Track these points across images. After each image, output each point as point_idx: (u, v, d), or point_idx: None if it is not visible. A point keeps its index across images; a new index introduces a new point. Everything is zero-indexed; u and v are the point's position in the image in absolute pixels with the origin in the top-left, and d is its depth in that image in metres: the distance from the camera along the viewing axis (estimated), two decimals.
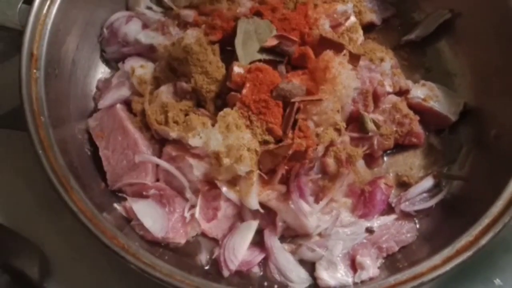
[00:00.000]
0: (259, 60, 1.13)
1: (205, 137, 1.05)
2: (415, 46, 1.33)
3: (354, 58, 1.14)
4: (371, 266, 1.03)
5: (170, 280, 0.91)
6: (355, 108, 1.14)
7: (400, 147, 1.21)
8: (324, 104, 1.08)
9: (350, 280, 1.03)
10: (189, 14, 1.26)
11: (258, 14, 1.21)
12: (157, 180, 1.13)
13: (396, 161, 1.21)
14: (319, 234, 1.08)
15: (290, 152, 1.04)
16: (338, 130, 1.09)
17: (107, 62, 1.31)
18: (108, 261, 1.11)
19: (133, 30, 1.27)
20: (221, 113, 1.07)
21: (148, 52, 1.25)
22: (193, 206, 1.09)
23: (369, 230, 1.09)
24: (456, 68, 1.29)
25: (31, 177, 1.21)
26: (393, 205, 1.14)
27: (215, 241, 1.09)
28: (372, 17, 1.34)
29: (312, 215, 1.05)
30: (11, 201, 1.21)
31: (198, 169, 1.07)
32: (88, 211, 0.95)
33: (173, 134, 1.08)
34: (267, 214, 1.07)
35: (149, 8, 1.34)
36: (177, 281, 0.91)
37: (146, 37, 1.25)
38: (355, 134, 1.14)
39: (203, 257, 1.07)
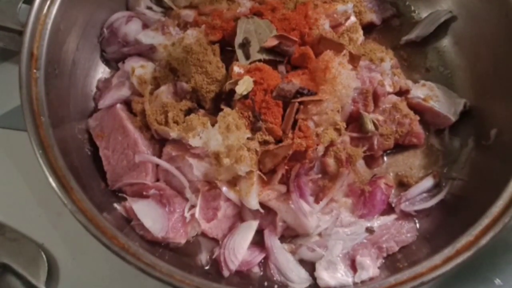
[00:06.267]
0: (259, 60, 1.13)
1: (205, 137, 1.05)
2: (415, 46, 1.33)
3: (354, 59, 1.14)
4: (371, 266, 1.03)
5: (170, 280, 0.91)
6: (355, 108, 1.14)
7: (400, 147, 1.21)
8: (324, 104, 1.08)
9: (350, 280, 1.03)
10: (189, 14, 1.27)
11: (258, 14, 1.21)
12: (157, 180, 1.13)
13: (396, 161, 1.21)
14: (319, 234, 1.08)
15: (290, 152, 1.04)
16: (338, 130, 1.09)
17: (107, 62, 1.32)
18: (108, 261, 1.11)
19: (133, 30, 1.27)
20: (221, 113, 1.07)
21: (148, 52, 1.25)
22: (193, 206, 1.09)
23: (369, 230, 1.09)
24: (456, 68, 1.29)
25: (31, 177, 1.22)
26: (393, 205, 1.14)
27: (215, 241, 1.09)
28: (372, 17, 1.34)
29: (312, 215, 1.06)
30: (11, 201, 1.21)
31: (198, 169, 1.07)
32: (88, 211, 0.95)
33: (173, 134, 1.08)
34: (267, 214, 1.08)
35: (149, 8, 1.35)
36: (177, 281, 0.91)
37: (146, 37, 1.25)
38: (355, 134, 1.14)
39: (203, 257, 1.07)
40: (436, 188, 1.16)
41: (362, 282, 1.01)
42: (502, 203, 0.96)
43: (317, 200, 1.09)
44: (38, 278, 1.09)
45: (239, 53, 1.14)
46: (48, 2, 1.10)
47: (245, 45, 1.14)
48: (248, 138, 1.05)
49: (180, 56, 1.15)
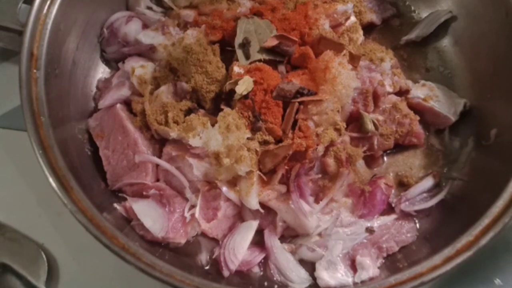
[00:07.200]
0: (259, 60, 1.13)
1: (205, 137, 1.05)
2: (415, 46, 1.34)
3: (354, 59, 1.14)
4: (371, 266, 1.03)
5: (170, 280, 0.91)
6: (355, 108, 1.14)
7: (400, 147, 1.21)
8: (324, 104, 1.08)
9: (350, 280, 1.03)
10: (189, 14, 1.27)
11: (258, 14, 1.21)
12: (157, 180, 1.13)
13: (396, 161, 1.21)
14: (319, 234, 1.08)
15: (290, 152, 1.04)
16: (338, 130, 1.10)
17: (107, 62, 1.32)
18: (108, 261, 1.10)
19: (133, 30, 1.27)
20: (221, 113, 1.07)
21: (148, 52, 1.25)
22: (193, 206, 1.09)
23: (369, 230, 1.09)
24: (456, 68, 1.29)
25: (31, 177, 1.22)
26: (393, 205, 1.14)
27: (215, 241, 1.09)
28: (372, 17, 1.34)
29: (312, 215, 1.06)
30: (11, 201, 1.21)
31: (198, 169, 1.07)
32: (88, 211, 0.95)
33: (173, 134, 1.08)
34: (267, 214, 1.08)
35: (149, 8, 1.35)
36: (177, 281, 0.91)
37: (146, 37, 1.25)
38: (355, 134, 1.14)
39: (203, 257, 1.07)
40: (436, 188, 1.16)
41: (362, 282, 1.01)
42: (502, 203, 0.96)
43: (317, 200, 1.09)
44: (38, 278, 1.09)
45: (239, 53, 1.14)
46: (48, 2, 1.10)
47: (245, 45, 1.14)
48: (248, 138, 1.05)
49: (180, 56, 1.15)
